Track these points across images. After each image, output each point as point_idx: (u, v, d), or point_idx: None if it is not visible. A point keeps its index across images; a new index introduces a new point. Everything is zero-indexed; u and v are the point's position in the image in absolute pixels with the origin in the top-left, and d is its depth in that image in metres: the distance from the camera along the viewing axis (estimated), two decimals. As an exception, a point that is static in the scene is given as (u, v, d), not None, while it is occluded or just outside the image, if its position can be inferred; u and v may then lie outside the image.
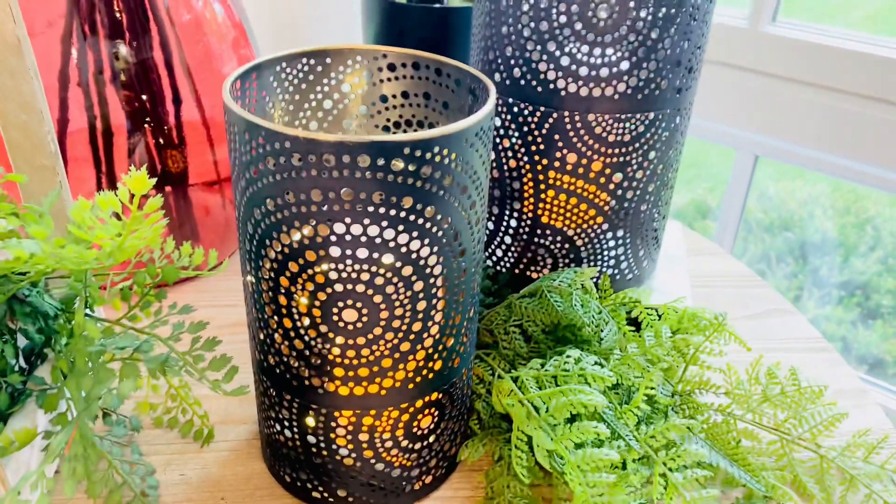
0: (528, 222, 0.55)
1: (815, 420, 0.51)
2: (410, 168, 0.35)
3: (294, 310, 0.39)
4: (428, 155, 0.35)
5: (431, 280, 0.39)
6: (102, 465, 0.47)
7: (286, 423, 0.44)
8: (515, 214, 0.55)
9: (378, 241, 0.36)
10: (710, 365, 0.53)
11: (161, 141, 0.63)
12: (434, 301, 0.40)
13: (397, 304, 0.39)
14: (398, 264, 0.37)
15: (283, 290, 0.39)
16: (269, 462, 0.48)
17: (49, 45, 0.58)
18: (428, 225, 0.37)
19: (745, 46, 1.02)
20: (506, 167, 0.54)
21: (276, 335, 0.41)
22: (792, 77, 0.99)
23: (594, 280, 0.56)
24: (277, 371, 0.42)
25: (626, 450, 0.44)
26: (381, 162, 0.34)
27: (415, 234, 0.37)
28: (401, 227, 0.36)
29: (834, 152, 1.00)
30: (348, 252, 0.36)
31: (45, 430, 0.46)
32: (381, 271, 0.37)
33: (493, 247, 0.59)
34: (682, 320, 0.53)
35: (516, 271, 0.58)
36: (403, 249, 0.37)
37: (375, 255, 0.37)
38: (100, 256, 0.38)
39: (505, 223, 0.56)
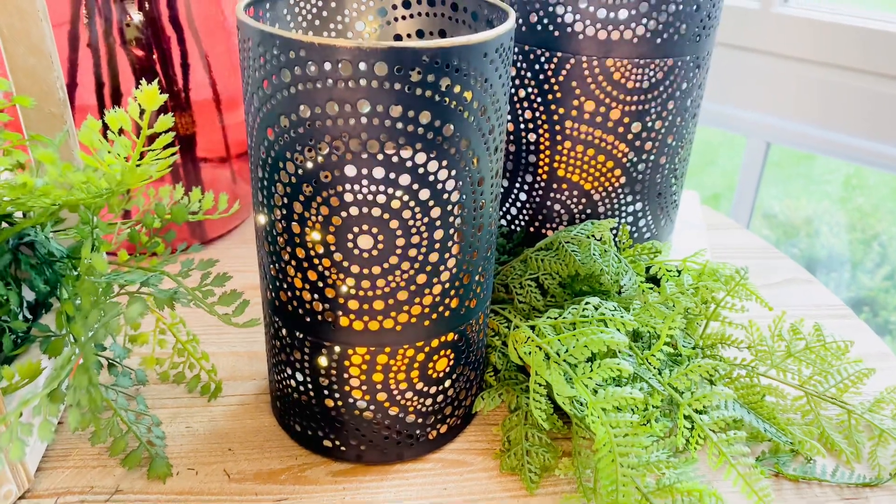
0: (545, 177, 0.54)
1: (840, 376, 0.49)
2: (429, 79, 0.34)
3: (307, 238, 0.38)
4: (447, 66, 0.34)
5: (449, 207, 0.38)
6: (107, 415, 0.46)
7: (297, 366, 0.43)
8: (531, 169, 0.54)
9: (395, 159, 0.35)
10: (732, 321, 0.52)
11: (173, 104, 0.62)
12: (451, 231, 0.39)
13: (413, 230, 0.37)
14: (415, 186, 0.36)
15: (296, 217, 0.38)
16: (279, 414, 0.47)
17: (59, 6, 0.58)
18: (446, 146, 0.36)
19: (757, 28, 1.01)
20: (521, 118, 0.53)
21: (289, 268, 0.40)
22: (804, 57, 0.98)
23: (612, 236, 0.55)
24: (290, 308, 0.41)
25: (650, 393, 0.43)
26: (399, 71, 0.33)
27: (433, 153, 0.36)
28: (418, 146, 0.35)
29: (850, 134, 0.99)
30: (364, 171, 0.35)
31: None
32: (398, 194, 0.36)
33: (507, 204, 0.57)
34: (702, 275, 0.52)
35: (531, 229, 0.56)
36: (421, 170, 0.36)
37: (392, 176, 0.36)
38: (109, 180, 0.37)
39: (520, 178, 0.55)
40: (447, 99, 0.35)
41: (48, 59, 0.48)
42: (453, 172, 0.37)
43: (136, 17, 0.59)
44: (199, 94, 0.64)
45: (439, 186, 0.37)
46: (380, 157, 0.35)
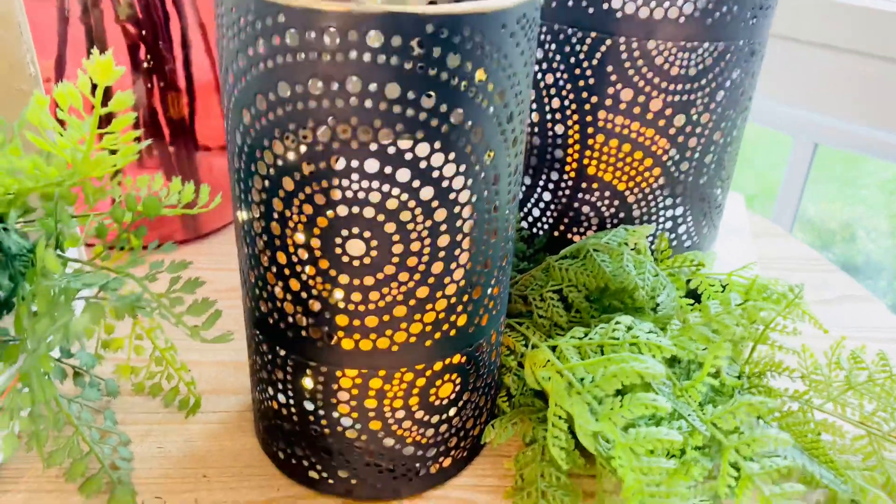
0: (573, 175, 0.48)
1: (910, 413, 0.42)
2: (434, 53, 0.28)
3: (289, 241, 0.32)
4: (456, 38, 0.28)
5: (457, 209, 0.32)
6: (68, 432, 0.40)
7: (280, 386, 0.37)
8: (557, 165, 0.48)
9: (392, 151, 0.29)
10: (782, 345, 0.45)
11: (163, 84, 0.57)
12: (459, 237, 0.33)
13: (414, 235, 0.31)
14: (416, 184, 0.30)
15: (276, 216, 0.32)
16: (262, 437, 0.41)
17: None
18: (454, 136, 0.30)
19: (807, 17, 0.93)
20: (548, 108, 0.47)
21: (269, 274, 0.34)
22: (860, 50, 0.90)
23: (649, 242, 0.48)
24: (270, 321, 0.35)
25: (689, 433, 0.37)
26: (396, 42, 0.27)
27: (437, 144, 0.30)
28: (420, 134, 0.29)
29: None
30: (354, 164, 0.29)
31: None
32: (395, 192, 0.30)
33: (529, 205, 0.51)
34: (749, 292, 0.45)
35: (555, 234, 0.50)
36: (423, 164, 0.30)
37: (388, 170, 0.30)
38: (58, 167, 0.32)
39: (544, 176, 0.49)
40: (456, 78, 0.29)
41: (16, 31, 0.43)
42: (462, 168, 0.31)
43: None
44: (199, 75, 0.59)
45: (445, 184, 0.31)
46: (373, 146, 0.29)
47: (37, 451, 0.35)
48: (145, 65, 0.55)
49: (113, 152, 0.34)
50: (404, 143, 0.29)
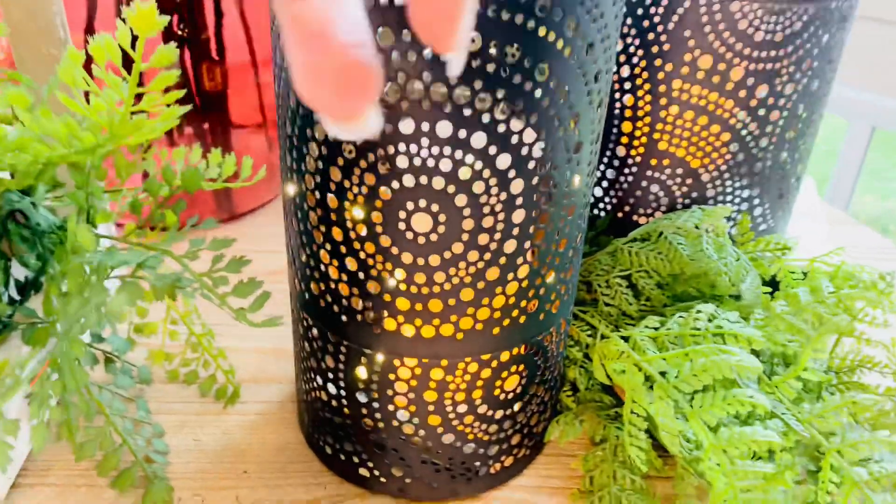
0: (641, 150, 0.44)
1: None
2: (521, -2, 0.24)
3: (347, 215, 0.29)
4: (547, -20, 0.24)
5: (534, 180, 0.28)
6: (99, 422, 0.38)
7: (330, 376, 0.34)
8: (624, 140, 0.44)
9: (467, 112, 0.26)
10: (870, 338, 0.41)
11: (197, 55, 0.54)
12: (535, 213, 0.29)
13: (486, 210, 0.28)
14: (492, 150, 0.27)
15: (333, 187, 0.29)
16: (307, 430, 0.38)
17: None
18: (538, 93, 0.26)
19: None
20: (615, 76, 0.43)
21: (323, 252, 0.31)
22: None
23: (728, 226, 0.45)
24: (322, 303, 0.32)
25: (784, 433, 0.33)
26: (480, -16, 0.24)
27: (518, 105, 0.26)
28: (500, 93, 0.26)
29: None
30: (424, 127, 0.26)
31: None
32: (469, 159, 0.27)
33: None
34: (834, 279, 0.41)
35: (619, 215, 0.47)
36: (501, 128, 0.26)
37: (462, 134, 0.26)
38: (93, 130, 0.29)
39: (609, 152, 0.45)
40: (544, 28, 0.25)
41: (46, -10, 0.40)
42: (544, 133, 0.27)
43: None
44: (233, 49, 0.56)
45: (524, 151, 0.27)
46: (447, 107, 0.26)
47: (68, 441, 0.32)
48: (179, 33, 0.52)
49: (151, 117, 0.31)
50: (482, 103, 0.26)
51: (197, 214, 0.37)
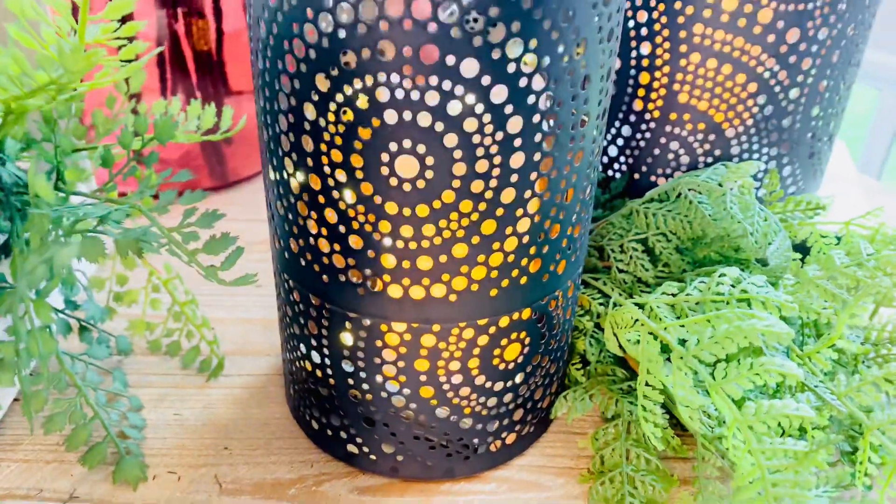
0: (659, 103, 0.40)
1: None
2: None
3: (324, 159, 0.26)
4: None
5: (535, 118, 0.25)
6: (71, 394, 0.35)
7: (314, 343, 0.31)
8: (641, 93, 0.41)
9: (456, 33, 0.22)
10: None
11: (187, 10, 0.51)
12: (537, 157, 0.26)
13: (480, 152, 0.25)
14: (485, 80, 0.23)
15: (307, 126, 0.25)
16: (293, 404, 0.35)
17: None
18: (537, 15, 0.23)
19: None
20: (631, 23, 0.40)
21: (300, 204, 0.28)
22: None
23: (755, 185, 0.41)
24: (302, 262, 0.29)
25: (818, 408, 0.29)
26: None
27: (515, 26, 0.23)
28: (494, 12, 0.22)
29: None
30: (407, 53, 0.23)
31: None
32: (458, 91, 0.23)
33: (603, 143, 0.44)
34: (873, 241, 0.38)
35: (635, 176, 0.43)
36: (496, 54, 0.23)
37: (450, 61, 0.23)
38: (45, 63, 0.26)
39: (624, 107, 0.42)
40: (543, -67, 0.22)
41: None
42: (546, 61, 0.24)
43: None
44: (230, 15, 0.53)
45: (523, 82, 0.24)
46: (431, 27, 0.22)
47: (25, 413, 0.29)
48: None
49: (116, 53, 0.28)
50: (473, 24, 0.22)
51: (180, 189, 0.34)
